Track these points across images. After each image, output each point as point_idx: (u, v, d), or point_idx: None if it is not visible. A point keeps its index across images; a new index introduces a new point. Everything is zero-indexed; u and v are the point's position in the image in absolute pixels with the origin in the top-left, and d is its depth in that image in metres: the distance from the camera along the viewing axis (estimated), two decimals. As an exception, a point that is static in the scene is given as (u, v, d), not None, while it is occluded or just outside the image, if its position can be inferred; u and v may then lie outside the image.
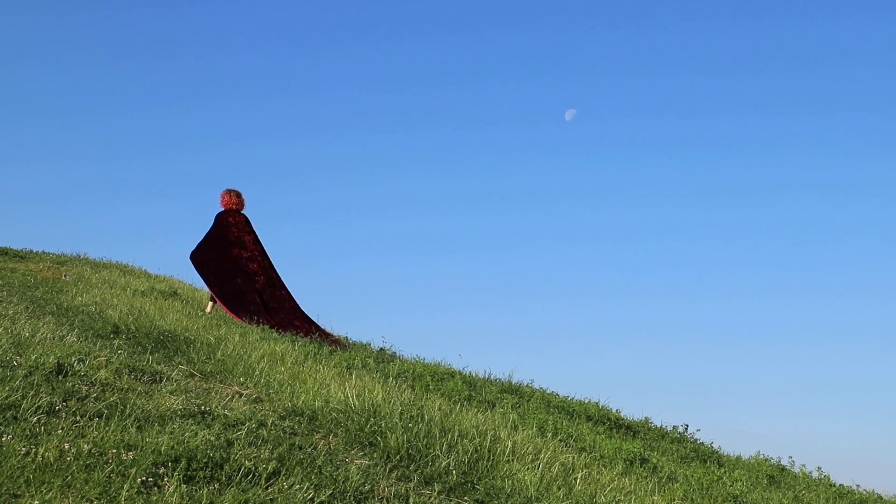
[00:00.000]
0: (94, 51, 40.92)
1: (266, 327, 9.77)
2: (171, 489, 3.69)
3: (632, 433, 8.92)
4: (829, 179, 37.43)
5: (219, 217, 11.39)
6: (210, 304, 11.20)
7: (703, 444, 9.47)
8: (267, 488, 3.99)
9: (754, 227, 37.13)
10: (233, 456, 4.18)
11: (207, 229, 11.32)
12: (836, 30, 38.65)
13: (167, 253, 31.72)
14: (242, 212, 11.51)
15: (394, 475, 4.71)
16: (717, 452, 9.23)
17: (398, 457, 4.97)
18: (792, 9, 39.00)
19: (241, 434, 4.64)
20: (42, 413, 4.36)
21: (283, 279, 11.56)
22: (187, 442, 4.21)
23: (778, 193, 37.75)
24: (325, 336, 10.59)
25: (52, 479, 3.60)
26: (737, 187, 38.07)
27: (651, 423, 9.77)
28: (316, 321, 11.39)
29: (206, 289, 11.79)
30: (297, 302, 11.50)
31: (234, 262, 11.10)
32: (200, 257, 11.01)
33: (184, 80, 41.58)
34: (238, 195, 11.51)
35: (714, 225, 37.42)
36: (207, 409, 5.07)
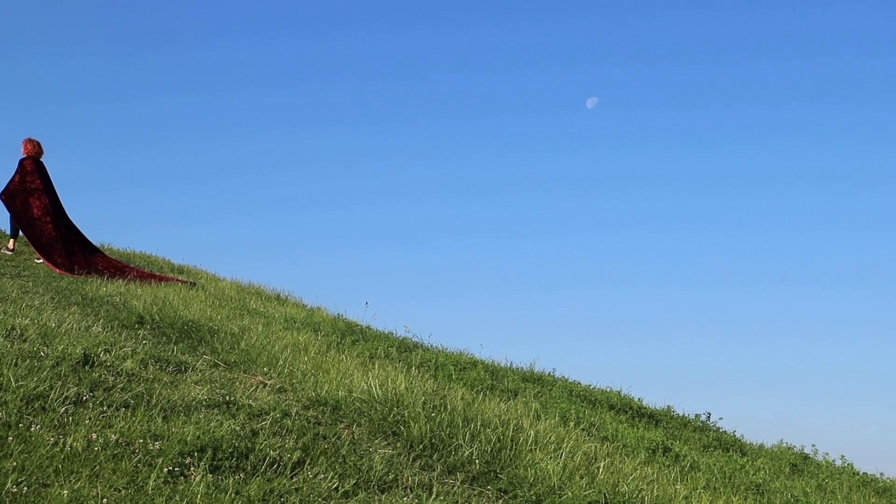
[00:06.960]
0: (95, 39, 41.10)
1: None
2: (198, 479, 3.73)
3: (654, 422, 8.89)
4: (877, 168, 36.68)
5: (23, 163, 12.62)
6: (11, 240, 12.63)
7: (725, 432, 9.43)
8: (292, 478, 4.02)
9: (779, 215, 36.75)
10: (258, 446, 4.22)
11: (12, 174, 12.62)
12: (844, 20, 38.08)
13: (189, 243, 31.93)
14: (41, 159, 12.81)
15: (417, 464, 4.74)
16: (739, 441, 9.19)
17: (421, 446, 4.99)
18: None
19: (266, 424, 4.68)
20: (69, 403, 4.42)
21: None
22: (213, 432, 4.25)
23: (796, 182, 37.34)
24: (141, 275, 11.77)
25: (81, 469, 3.65)
26: (762, 176, 37.67)
27: (673, 411, 9.74)
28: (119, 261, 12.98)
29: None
30: (96, 245, 13.01)
31: (44, 208, 12.40)
32: (10, 198, 12.34)
33: (186, 70, 41.69)
34: (38, 144, 12.84)
35: (736, 213, 37.06)
36: (232, 399, 5.12)
